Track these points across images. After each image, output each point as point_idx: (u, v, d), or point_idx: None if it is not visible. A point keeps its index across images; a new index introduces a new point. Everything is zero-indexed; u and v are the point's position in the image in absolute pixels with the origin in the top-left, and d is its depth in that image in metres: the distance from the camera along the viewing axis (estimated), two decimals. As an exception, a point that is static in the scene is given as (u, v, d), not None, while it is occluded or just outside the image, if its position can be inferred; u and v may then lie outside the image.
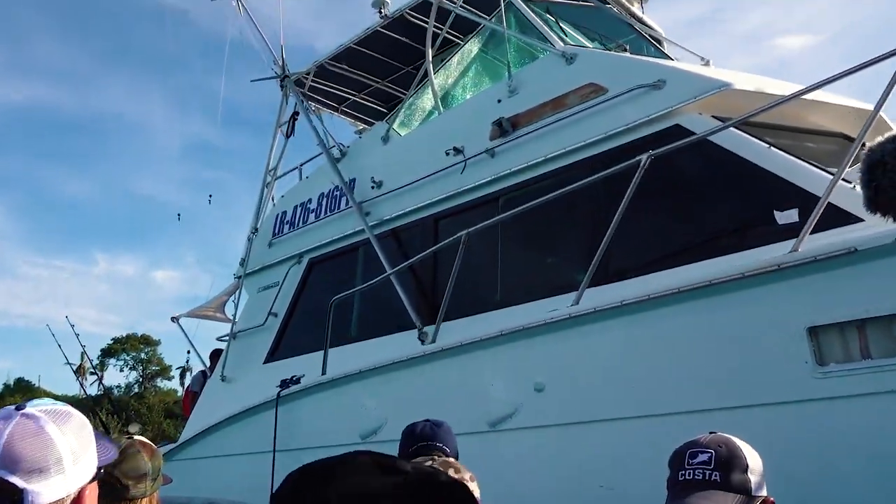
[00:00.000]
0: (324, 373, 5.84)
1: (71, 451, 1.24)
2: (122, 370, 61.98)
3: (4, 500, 1.17)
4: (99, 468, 1.32)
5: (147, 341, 59.47)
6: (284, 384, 6.18)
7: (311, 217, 7.51)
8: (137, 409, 45.21)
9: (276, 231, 7.93)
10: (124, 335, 62.21)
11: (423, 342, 5.57)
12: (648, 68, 4.84)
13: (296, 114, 8.68)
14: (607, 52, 5.83)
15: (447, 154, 6.11)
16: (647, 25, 7.35)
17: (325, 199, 7.44)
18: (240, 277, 8.17)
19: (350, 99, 9.75)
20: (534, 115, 5.52)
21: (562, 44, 5.68)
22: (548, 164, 5.33)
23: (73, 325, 9.22)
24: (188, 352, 9.07)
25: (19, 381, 68.16)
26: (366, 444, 5.26)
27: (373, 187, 6.84)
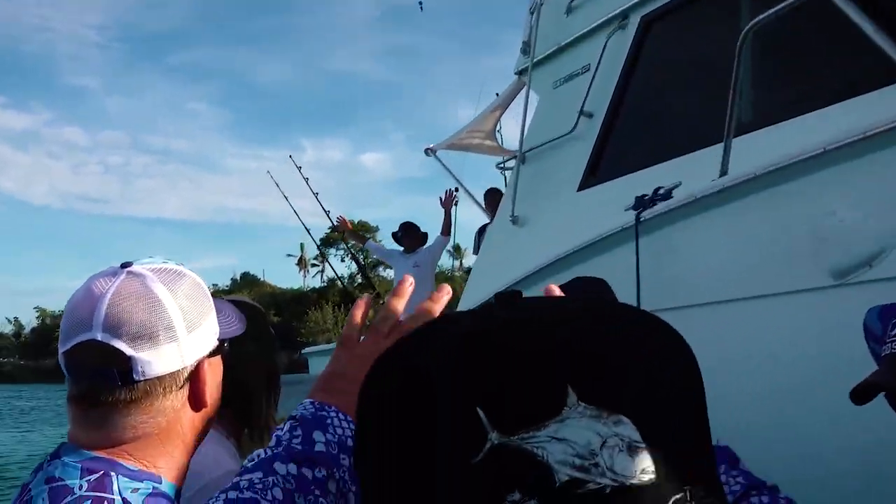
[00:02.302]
0: (724, 172, 3.84)
1: (184, 316, 1.23)
2: (342, 260, 66.26)
3: (109, 369, 1.17)
4: (222, 341, 1.32)
5: (365, 228, 62.04)
6: (643, 203, 4.27)
7: (635, -46, 5.35)
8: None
9: (577, -10, 5.94)
10: (337, 223, 65.30)
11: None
12: None
13: None
14: None
15: None
16: None
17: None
18: (522, 72, 6.36)
19: None
20: None
21: None
22: None
23: (300, 168, 8.12)
24: (455, 189, 7.66)
25: (245, 275, 76.02)
26: (848, 286, 3.26)
27: None
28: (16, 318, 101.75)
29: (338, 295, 66.58)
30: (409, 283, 1.08)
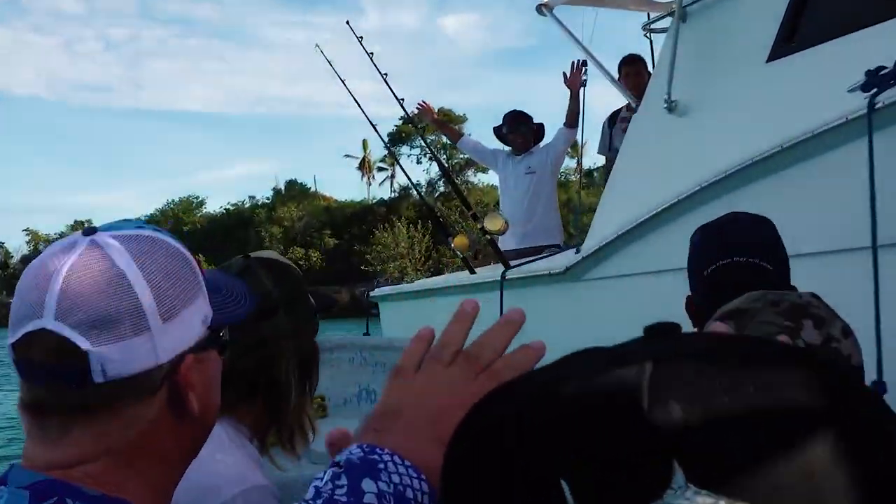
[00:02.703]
0: None
1: (158, 298, 1.28)
2: (418, 161, 66.59)
3: (63, 367, 1.23)
4: (213, 329, 1.38)
5: (449, 119, 62.05)
6: (877, 80, 4.18)
7: None
8: (447, 217, 47.80)
9: None
10: (416, 112, 65.91)
11: None
12: None
13: None
14: None
15: None
16: None
17: None
18: None
19: None
20: None
21: None
22: None
23: (360, 38, 8.27)
24: (583, 63, 7.69)
25: (291, 184, 77.44)
26: None
27: None
28: (1, 244, 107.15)
29: (412, 209, 67.31)
30: (473, 307, 1.11)
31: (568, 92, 7.99)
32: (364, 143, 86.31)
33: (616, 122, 8.01)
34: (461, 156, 59.97)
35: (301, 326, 2.14)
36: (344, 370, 5.85)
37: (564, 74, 8.01)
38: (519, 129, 8.41)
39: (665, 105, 5.86)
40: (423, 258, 61.63)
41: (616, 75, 7.78)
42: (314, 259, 65.87)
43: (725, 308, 1.86)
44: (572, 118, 8.08)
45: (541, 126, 8.54)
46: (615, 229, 5.89)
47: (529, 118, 8.51)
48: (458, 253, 7.82)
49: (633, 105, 6.96)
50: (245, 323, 1.56)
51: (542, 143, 8.49)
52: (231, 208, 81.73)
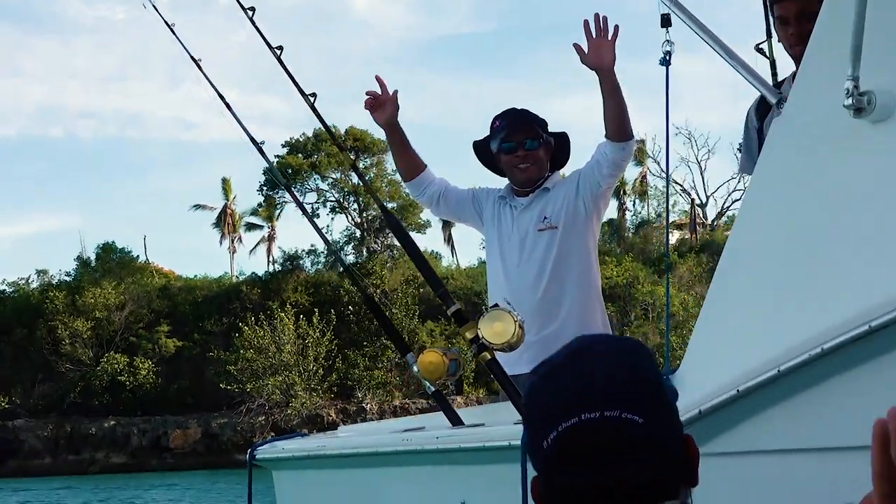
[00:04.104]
0: None
1: None
2: (314, 214, 66.26)
3: None
4: None
5: (361, 142, 62.10)
6: None
7: None
8: (357, 312, 46.84)
9: None
10: (307, 136, 65.57)
11: None
12: None
13: None
14: None
15: None
16: None
17: None
18: None
19: None
20: None
21: None
22: None
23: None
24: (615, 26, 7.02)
25: (107, 251, 76.48)
26: None
27: None
28: None
29: (304, 290, 66.85)
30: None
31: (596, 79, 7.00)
32: (225, 184, 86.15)
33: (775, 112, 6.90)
34: (388, 202, 59.66)
35: None
36: None
37: (577, 47, 7.03)
38: (523, 144, 7.34)
39: (849, 101, 4.97)
40: (320, 370, 60.81)
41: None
42: (143, 372, 64.51)
43: None
44: (615, 120, 7.08)
45: (563, 137, 7.58)
46: (760, 359, 4.87)
47: (541, 122, 7.49)
48: (428, 385, 6.78)
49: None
50: None
51: (564, 172, 7.58)
52: (7, 291, 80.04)
